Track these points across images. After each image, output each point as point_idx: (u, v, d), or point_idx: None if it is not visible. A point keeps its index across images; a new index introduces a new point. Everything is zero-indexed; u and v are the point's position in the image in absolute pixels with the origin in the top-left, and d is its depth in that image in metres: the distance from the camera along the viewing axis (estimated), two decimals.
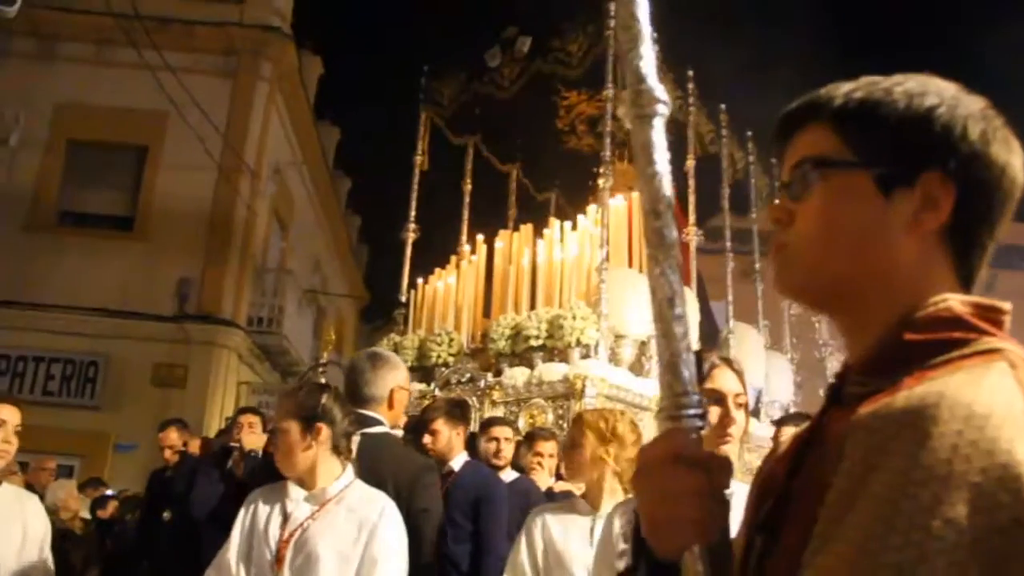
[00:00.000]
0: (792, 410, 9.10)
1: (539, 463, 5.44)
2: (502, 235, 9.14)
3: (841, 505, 0.85)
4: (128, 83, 14.05)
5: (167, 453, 6.85)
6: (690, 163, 9.22)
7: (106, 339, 13.60)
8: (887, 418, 0.86)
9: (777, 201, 1.09)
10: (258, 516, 2.84)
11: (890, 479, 0.81)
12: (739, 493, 1.18)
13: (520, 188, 11.40)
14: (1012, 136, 1.02)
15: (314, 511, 2.81)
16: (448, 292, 8.97)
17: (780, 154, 1.10)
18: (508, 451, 5.23)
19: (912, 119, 0.99)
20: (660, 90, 0.97)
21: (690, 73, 9.48)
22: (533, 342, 7.45)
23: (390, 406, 3.40)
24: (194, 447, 7.04)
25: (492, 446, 5.17)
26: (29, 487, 7.94)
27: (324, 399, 2.90)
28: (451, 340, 8.27)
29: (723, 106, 10.24)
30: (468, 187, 10.61)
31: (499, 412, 7.18)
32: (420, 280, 9.48)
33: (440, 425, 4.57)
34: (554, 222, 8.70)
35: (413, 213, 9.67)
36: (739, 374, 2.53)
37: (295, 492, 2.86)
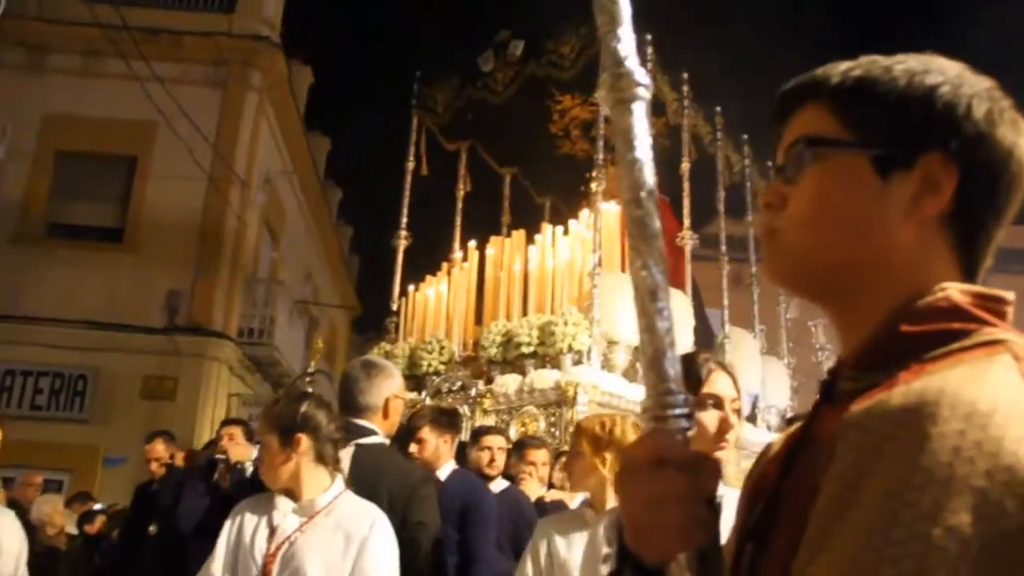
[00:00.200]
0: (789, 415, 9.06)
1: (529, 472, 5.34)
2: (494, 241, 9.08)
3: (832, 513, 0.77)
4: (117, 94, 14.02)
5: (153, 465, 6.75)
6: (685, 166, 9.17)
7: (95, 352, 13.51)
8: (882, 417, 0.78)
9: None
10: (244, 529, 2.75)
11: (886, 484, 0.73)
12: (732, 498, 1.11)
13: (516, 194, 11.37)
14: (1021, 118, 0.95)
15: (302, 523, 2.73)
16: (439, 300, 8.90)
17: (776, 137, 1.04)
18: (501, 460, 5.14)
19: (913, 98, 0.93)
20: (640, 73, 0.91)
21: (685, 75, 9.43)
22: (524, 349, 7.39)
23: (385, 415, 3.31)
24: (180, 459, 6.94)
25: (485, 455, 5.07)
26: (14, 503, 7.86)
27: (304, 408, 2.81)
28: (442, 348, 8.21)
29: (718, 108, 10.21)
30: (461, 193, 10.55)
31: (490, 420, 7.11)
32: (411, 288, 9.41)
33: (426, 433, 4.46)
34: (546, 227, 8.64)
35: (404, 219, 9.61)
36: (733, 378, 2.47)
37: (282, 504, 2.77)
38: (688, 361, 2.36)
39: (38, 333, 13.34)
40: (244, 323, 15.14)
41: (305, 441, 2.76)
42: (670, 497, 0.84)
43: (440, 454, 4.53)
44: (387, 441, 3.40)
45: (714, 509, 0.87)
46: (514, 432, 6.98)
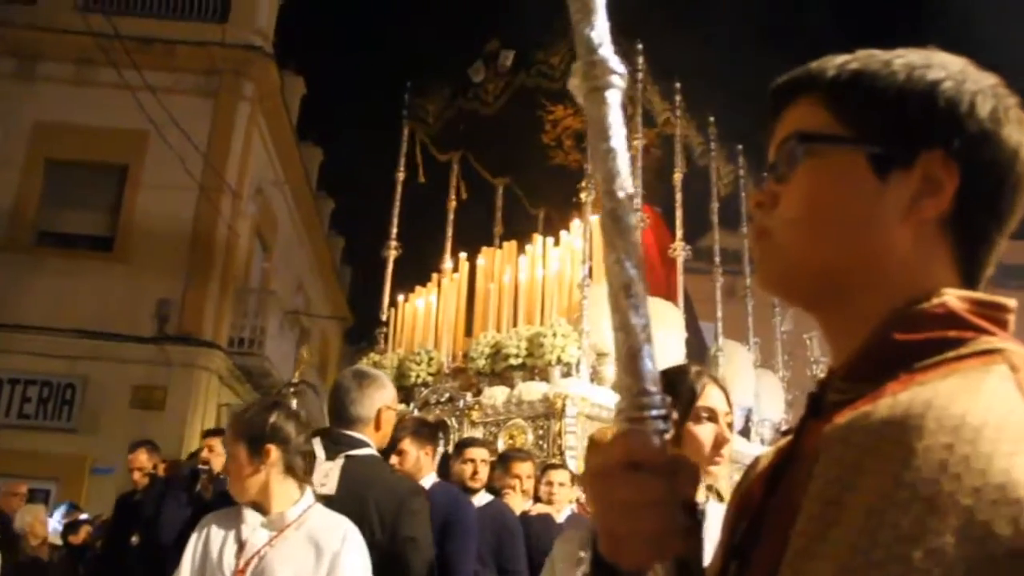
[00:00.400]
0: (784, 428, 9.02)
1: (513, 486, 5.29)
2: (485, 252, 9.05)
3: (812, 532, 0.72)
4: (108, 103, 14.01)
5: (136, 475, 6.70)
6: (677, 177, 9.14)
7: (84, 361, 13.46)
8: (865, 430, 0.73)
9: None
10: (211, 542, 2.68)
11: (867, 502, 0.69)
12: (718, 514, 1.07)
13: (510, 204, 11.34)
14: None
15: (272, 538, 2.64)
16: (428, 311, 8.86)
17: (769, 134, 0.99)
18: (484, 473, 5.07)
19: (913, 93, 0.88)
20: (615, 61, 0.87)
21: (677, 85, 9.42)
22: (513, 360, 7.35)
23: (377, 427, 3.22)
24: (162, 470, 6.89)
25: (468, 468, 5.00)
26: None
27: (273, 418, 2.73)
28: (430, 359, 8.16)
29: (712, 118, 10.18)
30: (452, 204, 10.52)
31: (478, 432, 7.07)
32: (400, 298, 9.37)
33: (407, 445, 4.39)
34: (537, 238, 8.61)
35: (395, 230, 9.57)
36: (726, 392, 2.43)
37: (251, 517, 2.68)
38: (681, 374, 2.34)
39: (27, 341, 13.27)
40: (235, 333, 15.09)
41: (274, 452, 2.69)
42: (644, 503, 0.79)
43: (421, 466, 4.46)
44: (378, 453, 3.30)
45: (696, 517, 0.82)
46: (502, 445, 6.94)
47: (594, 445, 3.08)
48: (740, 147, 10.75)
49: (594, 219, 7.99)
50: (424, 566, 3.00)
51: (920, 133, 0.87)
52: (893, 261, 0.88)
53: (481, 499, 4.97)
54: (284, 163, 18.00)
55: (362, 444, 3.14)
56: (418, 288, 9.41)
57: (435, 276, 9.46)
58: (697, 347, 9.29)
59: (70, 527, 8.92)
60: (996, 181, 0.88)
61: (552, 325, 7.33)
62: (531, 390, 7.17)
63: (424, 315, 8.90)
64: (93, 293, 13.73)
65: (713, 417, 2.31)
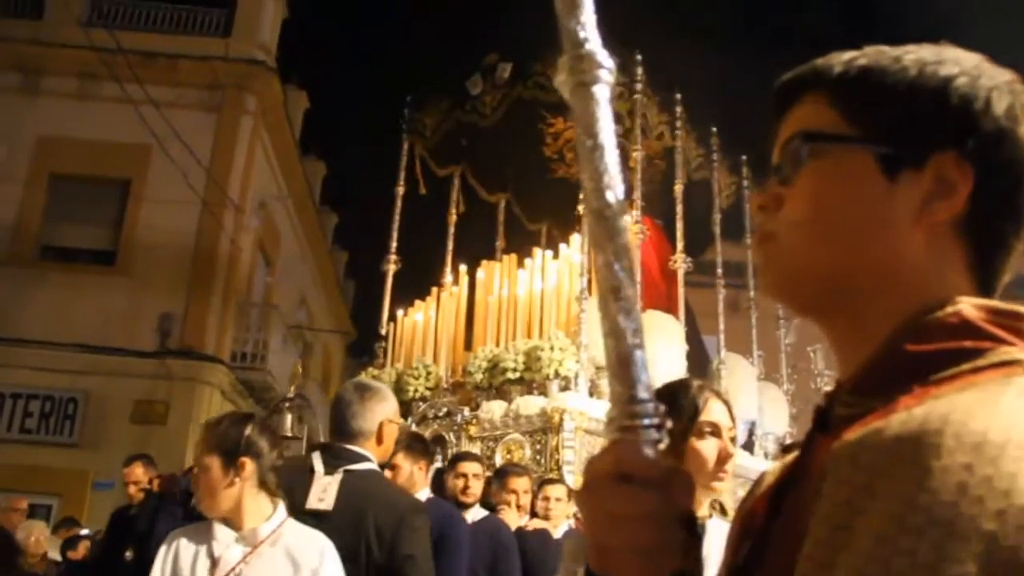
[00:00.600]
0: (787, 443, 8.95)
1: (508, 501, 5.24)
2: (484, 266, 9.02)
3: (820, 559, 0.67)
4: (111, 117, 14.08)
5: (131, 489, 6.66)
6: (678, 188, 9.10)
7: (86, 375, 13.47)
8: (876, 448, 0.68)
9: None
10: (181, 559, 2.61)
11: (878, 527, 0.63)
12: (722, 532, 1.02)
13: (512, 218, 11.30)
14: None
15: (246, 554, 2.58)
16: (427, 325, 8.83)
17: (774, 135, 0.94)
18: (477, 488, 5.01)
19: (924, 89, 0.84)
20: (603, 55, 0.82)
21: (678, 96, 9.39)
22: (510, 375, 7.30)
23: (379, 441, 3.13)
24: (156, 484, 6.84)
25: (460, 482, 4.95)
26: None
27: (248, 431, 2.68)
28: (428, 374, 8.13)
29: (714, 129, 10.15)
30: (453, 218, 10.49)
31: (476, 447, 7.01)
32: (400, 312, 9.35)
33: (401, 459, 4.36)
34: (537, 252, 8.58)
35: (394, 244, 9.56)
36: (729, 406, 2.38)
37: (222, 533, 2.62)
38: (683, 388, 2.30)
39: (29, 356, 13.28)
40: (237, 347, 15.10)
41: (250, 465, 2.63)
42: (635, 515, 0.74)
43: (415, 481, 4.43)
44: (379, 468, 3.22)
45: (694, 532, 0.77)
46: (499, 460, 6.89)
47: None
48: (744, 158, 10.69)
49: None
50: None
51: (932, 132, 0.83)
52: (903, 267, 0.83)
53: (476, 514, 4.92)
54: (287, 177, 18.03)
55: (362, 458, 3.06)
56: (417, 302, 9.38)
57: (435, 290, 9.43)
58: (699, 360, 9.23)
59: (69, 543, 8.87)
60: (1013, 182, 0.84)
61: (550, 339, 7.29)
62: (529, 404, 7.13)
63: (423, 329, 8.87)
64: (95, 307, 13.75)
65: (716, 432, 2.27)
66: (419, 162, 9.98)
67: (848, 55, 0.89)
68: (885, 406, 0.72)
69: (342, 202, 25.01)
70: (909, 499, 0.62)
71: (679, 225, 9.04)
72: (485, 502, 5.19)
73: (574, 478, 6.52)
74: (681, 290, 8.89)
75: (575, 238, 8.40)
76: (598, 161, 0.82)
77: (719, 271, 9.91)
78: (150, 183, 14.48)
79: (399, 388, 8.13)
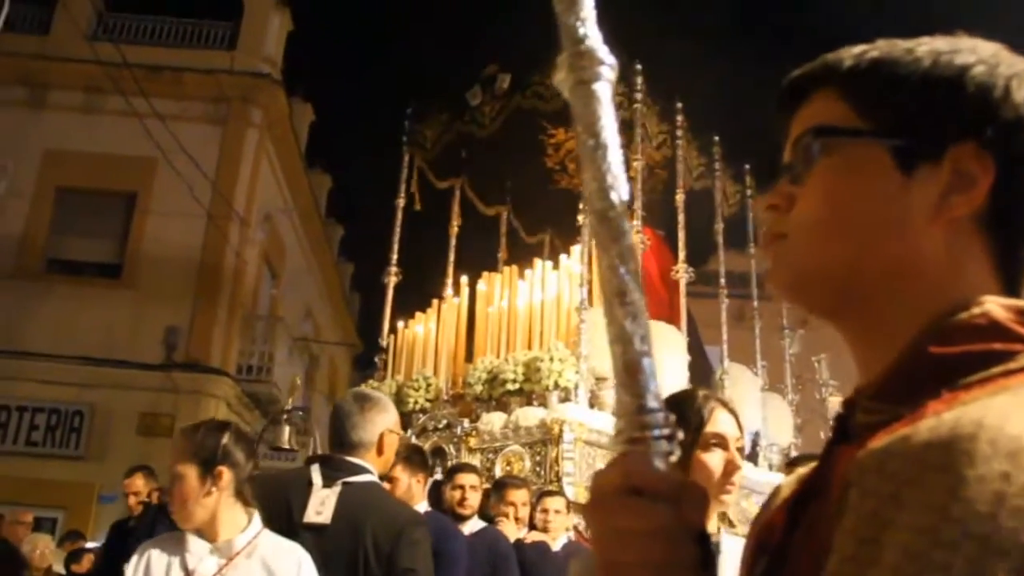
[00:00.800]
0: (793, 454, 8.90)
1: (507, 513, 5.22)
2: (485, 277, 9.01)
3: None
4: (117, 130, 14.16)
5: (132, 500, 6.65)
6: (680, 197, 9.07)
7: (92, 388, 13.49)
8: (904, 456, 0.64)
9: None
10: (152, 571, 2.57)
11: (909, 541, 0.59)
12: (738, 547, 0.99)
13: (513, 229, 11.28)
14: None
15: (221, 566, 2.54)
16: (428, 336, 8.83)
17: (784, 135, 0.92)
18: (474, 500, 4.99)
19: (940, 79, 0.81)
20: (604, 51, 0.79)
21: (679, 105, 9.37)
22: (510, 386, 7.27)
23: (379, 452, 3.10)
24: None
25: (456, 494, 4.94)
26: (3, 541, 7.76)
27: (225, 439, 2.63)
28: (428, 385, 8.11)
29: (716, 137, 10.11)
30: (454, 230, 10.48)
31: (476, 459, 6.98)
32: (401, 324, 9.35)
33: (399, 472, 4.34)
34: (537, 263, 8.57)
35: (395, 256, 9.55)
36: (736, 416, 2.33)
37: (196, 545, 2.57)
38: (688, 399, 2.25)
39: (35, 368, 13.31)
40: (243, 360, 15.11)
41: (227, 475, 2.58)
42: (646, 531, 0.70)
43: (413, 494, 4.41)
44: (379, 480, 3.17)
45: (708, 548, 0.73)
46: (499, 472, 6.87)
47: None
48: (747, 167, 10.65)
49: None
50: None
51: (949, 123, 0.80)
52: (922, 265, 0.80)
53: (474, 525, 4.91)
54: (293, 190, 18.07)
55: (362, 470, 3.02)
56: (418, 314, 9.37)
57: (435, 302, 9.42)
58: (702, 371, 9.17)
59: (73, 556, 8.87)
60: None
61: (549, 350, 7.27)
62: (528, 416, 7.09)
63: (423, 341, 8.87)
64: (101, 320, 13.78)
65: (723, 443, 2.21)
66: (417, 175, 9.98)
67: (859, 48, 0.86)
68: (912, 412, 0.69)
69: (348, 214, 25.10)
70: (941, 510, 0.59)
71: (681, 235, 9.00)
72: (483, 514, 5.17)
73: (574, 490, 6.49)
74: (683, 300, 8.85)
75: (575, 248, 8.38)
76: (601, 161, 0.79)
77: (722, 281, 9.85)
78: (156, 196, 14.54)
79: (399, 400, 8.10)
